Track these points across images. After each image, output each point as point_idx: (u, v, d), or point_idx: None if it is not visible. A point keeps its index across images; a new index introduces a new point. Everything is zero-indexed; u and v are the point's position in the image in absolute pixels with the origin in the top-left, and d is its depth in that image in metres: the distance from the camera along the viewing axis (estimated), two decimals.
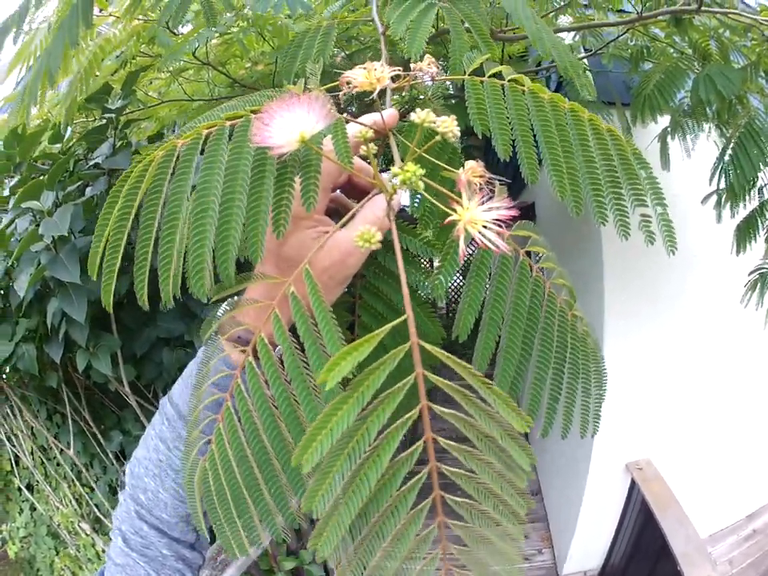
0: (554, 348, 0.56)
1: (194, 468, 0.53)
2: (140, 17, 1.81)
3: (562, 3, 1.82)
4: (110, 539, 0.67)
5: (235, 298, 0.54)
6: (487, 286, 0.54)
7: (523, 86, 0.61)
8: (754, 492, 3.49)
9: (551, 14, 1.84)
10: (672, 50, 1.94)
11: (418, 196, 0.59)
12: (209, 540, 0.66)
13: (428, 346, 0.36)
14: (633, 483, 3.25)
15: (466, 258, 0.47)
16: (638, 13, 1.69)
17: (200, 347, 0.58)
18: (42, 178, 1.80)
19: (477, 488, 0.39)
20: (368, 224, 0.45)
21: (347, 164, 0.47)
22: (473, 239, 0.42)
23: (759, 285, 2.04)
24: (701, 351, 3.21)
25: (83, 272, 1.76)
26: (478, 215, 0.41)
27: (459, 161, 0.61)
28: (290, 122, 0.44)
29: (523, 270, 0.54)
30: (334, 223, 0.52)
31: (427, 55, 0.60)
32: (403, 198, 0.57)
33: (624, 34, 1.93)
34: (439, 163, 0.52)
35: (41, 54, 1.33)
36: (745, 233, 2.00)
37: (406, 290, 0.38)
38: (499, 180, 0.51)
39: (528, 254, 0.57)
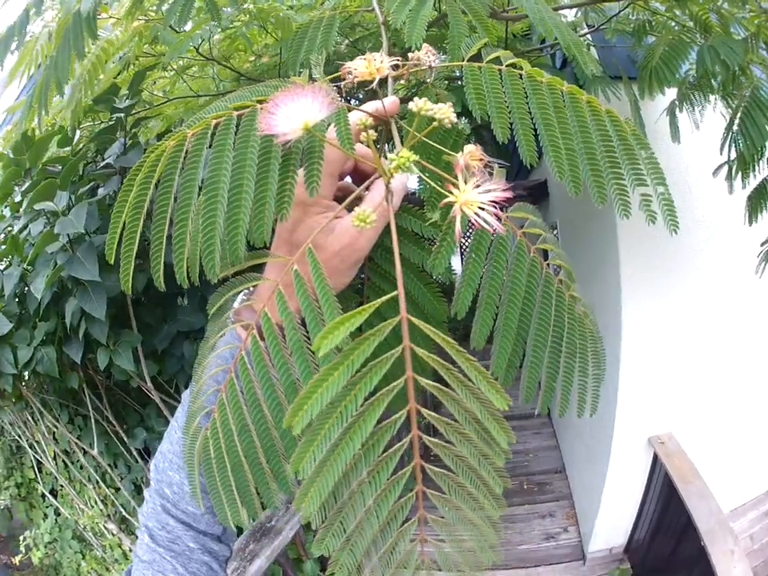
0: (551, 327, 0.59)
1: (195, 438, 0.57)
2: (141, 17, 1.83)
3: None
4: (137, 537, 0.68)
5: (251, 285, 0.57)
6: (485, 265, 0.56)
7: (521, 69, 0.63)
8: None
9: None
10: (673, 23, 1.93)
11: (422, 181, 0.61)
12: (235, 532, 0.69)
13: (415, 321, 0.39)
14: (655, 458, 3.26)
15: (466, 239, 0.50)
16: None
17: None
18: (54, 179, 1.83)
19: (454, 460, 0.42)
20: (372, 206, 0.48)
21: (349, 150, 0.50)
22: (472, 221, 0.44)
23: None
24: (720, 321, 3.20)
25: (101, 269, 1.81)
26: (474, 197, 0.44)
27: (465, 143, 0.63)
28: (294, 111, 0.47)
29: (520, 250, 0.57)
30: (344, 209, 0.55)
31: (425, 44, 0.62)
32: (412, 182, 0.60)
33: (625, 8, 1.93)
34: (439, 147, 0.54)
35: (46, 62, 1.36)
36: (756, 202, 2.02)
37: (399, 267, 0.41)
38: (498, 163, 0.53)
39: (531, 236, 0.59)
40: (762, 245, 2.09)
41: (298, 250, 0.53)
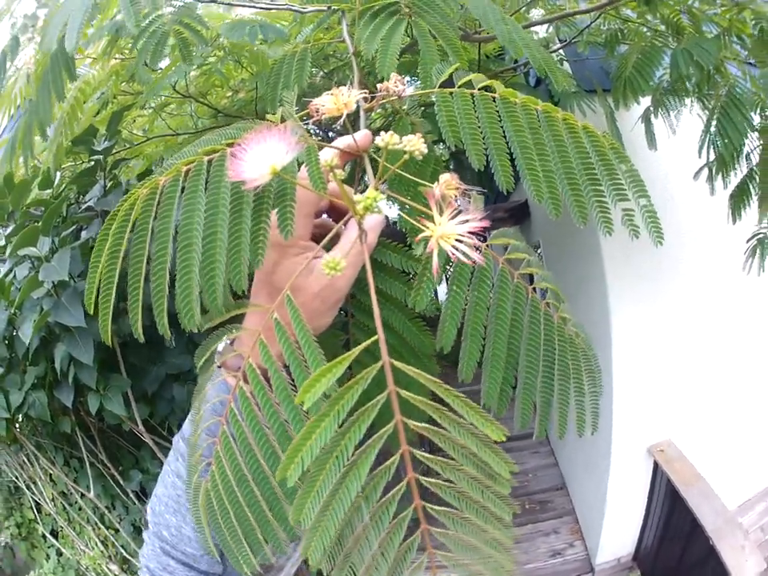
0: (542, 352, 0.58)
1: (198, 491, 0.56)
2: (117, 55, 1.83)
3: None
4: None
5: (234, 332, 0.56)
6: (467, 296, 0.55)
7: (494, 92, 0.62)
8: None
9: (522, 8, 1.86)
10: (645, 29, 1.95)
11: (400, 215, 0.60)
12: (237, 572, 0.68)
13: (398, 364, 0.38)
14: (656, 466, 3.28)
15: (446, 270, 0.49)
16: None
17: None
18: (36, 224, 1.82)
19: (456, 496, 0.42)
20: (348, 246, 0.47)
21: (322, 190, 0.49)
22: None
23: (759, 250, 2.08)
24: (708, 325, 3.26)
25: (87, 315, 1.78)
26: (450, 229, 0.43)
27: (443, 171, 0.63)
28: (261, 155, 0.46)
29: (503, 277, 0.56)
30: (323, 249, 0.54)
31: (393, 74, 0.61)
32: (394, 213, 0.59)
33: (597, 19, 1.94)
34: (414, 179, 0.53)
35: (25, 104, 1.36)
36: (738, 200, 2.05)
37: (376, 310, 0.40)
38: (476, 190, 0.52)
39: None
40: (748, 241, 2.11)
41: (277, 292, 0.52)
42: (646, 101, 2.05)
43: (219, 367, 0.57)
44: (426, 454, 0.39)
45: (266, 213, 0.50)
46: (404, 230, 0.62)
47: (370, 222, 0.51)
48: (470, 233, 0.44)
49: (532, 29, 2.08)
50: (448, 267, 0.55)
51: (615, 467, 3.36)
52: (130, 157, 2.54)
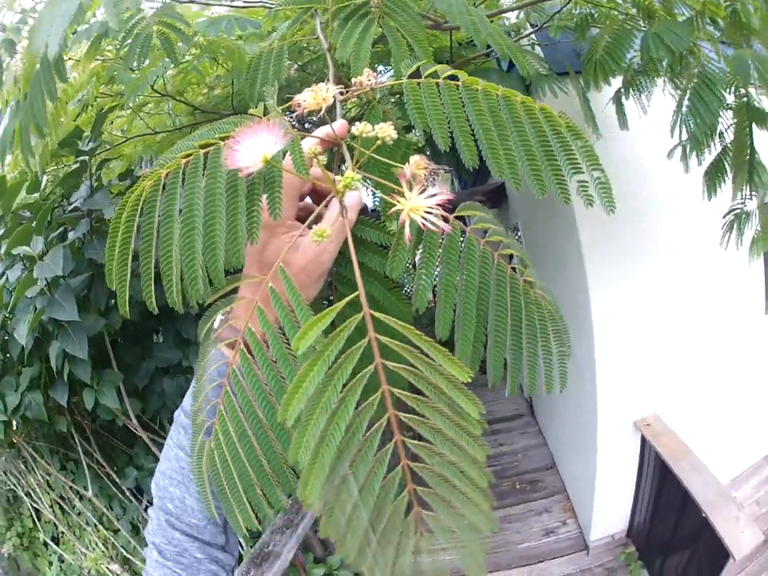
0: (509, 312, 0.66)
1: (201, 451, 0.63)
2: (98, 57, 1.88)
3: None
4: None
5: (228, 309, 0.63)
6: (438, 262, 0.63)
7: (458, 80, 0.69)
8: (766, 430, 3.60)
9: None
10: (617, 13, 2.00)
11: (377, 195, 0.68)
12: (238, 543, 0.74)
13: (376, 314, 0.46)
14: (643, 440, 3.36)
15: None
16: None
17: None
18: (30, 224, 1.88)
19: (431, 432, 0.48)
20: (330, 222, 0.54)
21: (305, 175, 0.57)
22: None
23: (736, 224, 2.15)
24: (687, 298, 3.33)
25: (79, 311, 1.86)
26: (419, 202, 0.50)
27: (415, 153, 0.70)
28: (253, 146, 0.53)
29: (471, 244, 0.63)
30: (307, 228, 0.62)
31: (366, 69, 0.68)
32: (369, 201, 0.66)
33: (567, 4, 2.00)
34: (387, 161, 0.60)
35: (12, 106, 1.40)
36: (714, 177, 2.10)
37: (357, 271, 0.47)
38: (443, 169, 0.60)
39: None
40: (724, 216, 2.18)
41: (268, 268, 0.59)
42: (618, 82, 2.11)
43: (210, 331, 0.65)
44: (402, 391, 0.46)
45: (258, 196, 0.58)
46: (379, 209, 0.70)
47: (349, 199, 0.59)
48: (437, 205, 0.51)
49: (503, 15, 2.15)
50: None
51: (603, 443, 3.43)
52: (111, 157, 2.60)
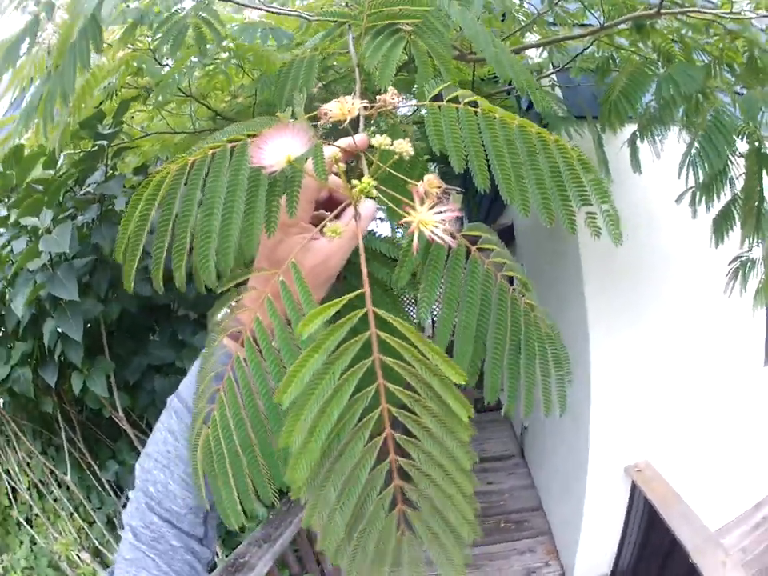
0: (509, 331, 0.69)
1: (199, 436, 0.66)
2: (129, 45, 1.93)
3: (528, 21, 1.95)
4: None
5: (237, 299, 0.67)
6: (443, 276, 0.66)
7: (477, 107, 0.74)
8: (758, 481, 3.62)
9: (517, 32, 1.98)
10: (637, 57, 2.04)
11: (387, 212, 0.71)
12: (216, 539, 0.75)
13: (379, 311, 0.49)
14: (633, 486, 3.36)
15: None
16: (600, 24, 1.82)
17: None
18: (41, 196, 1.90)
19: (420, 430, 0.51)
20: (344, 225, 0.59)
21: (323, 179, 0.61)
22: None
23: (741, 273, 2.19)
24: (686, 347, 3.36)
25: (80, 292, 1.90)
26: (429, 217, 0.54)
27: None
28: (279, 146, 0.58)
29: (474, 262, 0.67)
30: (319, 232, 0.65)
31: (390, 87, 0.73)
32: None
33: (590, 46, 2.05)
34: (401, 177, 0.64)
35: (45, 75, 1.42)
36: (722, 224, 2.15)
37: (364, 270, 0.50)
38: (455, 189, 0.64)
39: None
40: (730, 264, 2.21)
41: (278, 265, 0.63)
42: (633, 126, 2.16)
43: (220, 322, 0.68)
44: (397, 387, 0.49)
45: (278, 192, 0.62)
46: (390, 221, 0.73)
47: (364, 209, 0.63)
48: (444, 221, 0.55)
49: (526, 54, 2.20)
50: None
51: (592, 487, 3.45)
52: (130, 146, 2.64)
